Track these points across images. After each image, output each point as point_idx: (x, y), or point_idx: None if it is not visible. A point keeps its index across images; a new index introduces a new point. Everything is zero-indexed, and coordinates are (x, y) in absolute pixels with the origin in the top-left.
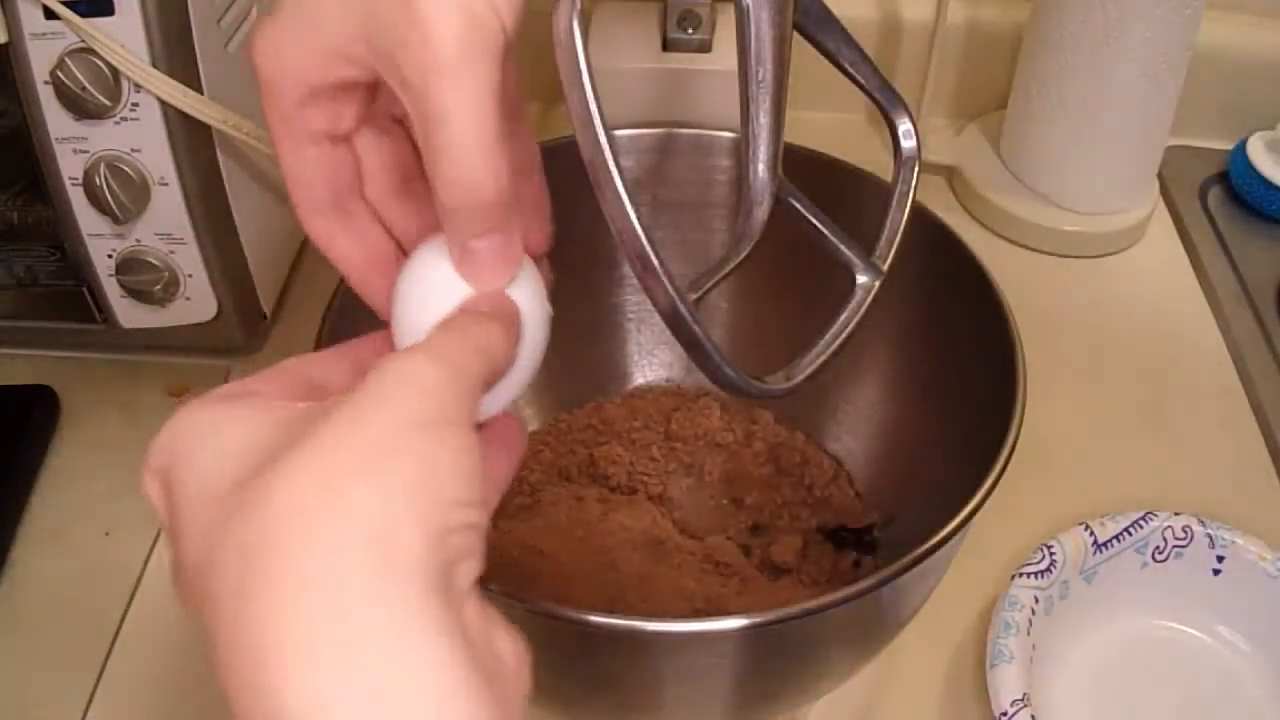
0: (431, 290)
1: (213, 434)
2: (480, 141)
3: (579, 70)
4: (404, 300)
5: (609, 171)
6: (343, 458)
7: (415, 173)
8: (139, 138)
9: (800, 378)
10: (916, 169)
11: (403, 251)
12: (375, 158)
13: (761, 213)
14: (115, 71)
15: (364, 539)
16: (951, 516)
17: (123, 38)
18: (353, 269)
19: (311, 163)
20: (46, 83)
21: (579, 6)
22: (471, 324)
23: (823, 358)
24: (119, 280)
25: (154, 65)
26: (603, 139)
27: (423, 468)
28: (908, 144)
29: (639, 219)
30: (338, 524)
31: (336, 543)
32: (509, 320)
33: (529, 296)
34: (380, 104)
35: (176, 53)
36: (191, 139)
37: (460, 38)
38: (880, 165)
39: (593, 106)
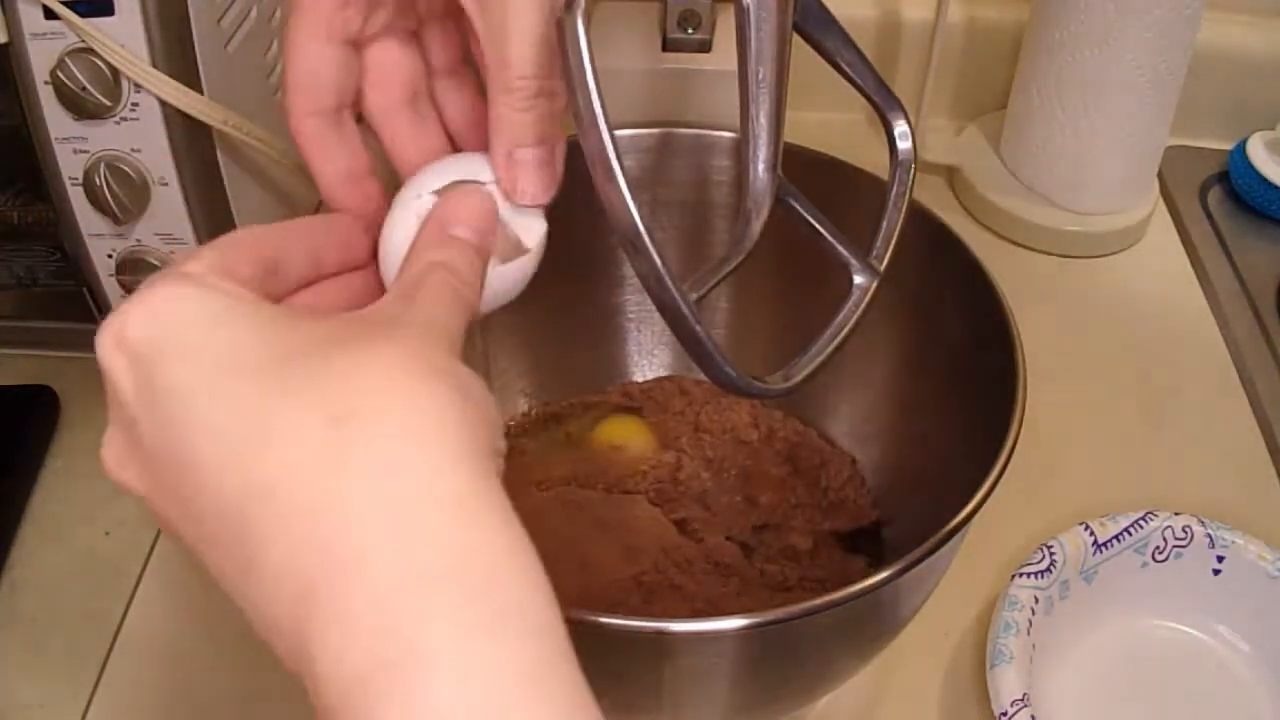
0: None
1: (220, 317)
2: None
3: (584, 70)
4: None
5: (613, 172)
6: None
7: (467, 58)
8: (139, 138)
9: (799, 378)
10: (913, 170)
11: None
12: (439, 42)
13: (761, 213)
14: (115, 71)
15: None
16: (951, 516)
17: (123, 38)
18: (330, 176)
19: (332, 62)
20: (46, 83)
21: (583, 6)
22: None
23: (821, 358)
24: (119, 280)
25: (154, 65)
26: (607, 139)
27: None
28: (904, 145)
29: (641, 219)
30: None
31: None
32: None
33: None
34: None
35: (176, 53)
36: (191, 139)
37: None
38: (880, 165)
39: (597, 107)
